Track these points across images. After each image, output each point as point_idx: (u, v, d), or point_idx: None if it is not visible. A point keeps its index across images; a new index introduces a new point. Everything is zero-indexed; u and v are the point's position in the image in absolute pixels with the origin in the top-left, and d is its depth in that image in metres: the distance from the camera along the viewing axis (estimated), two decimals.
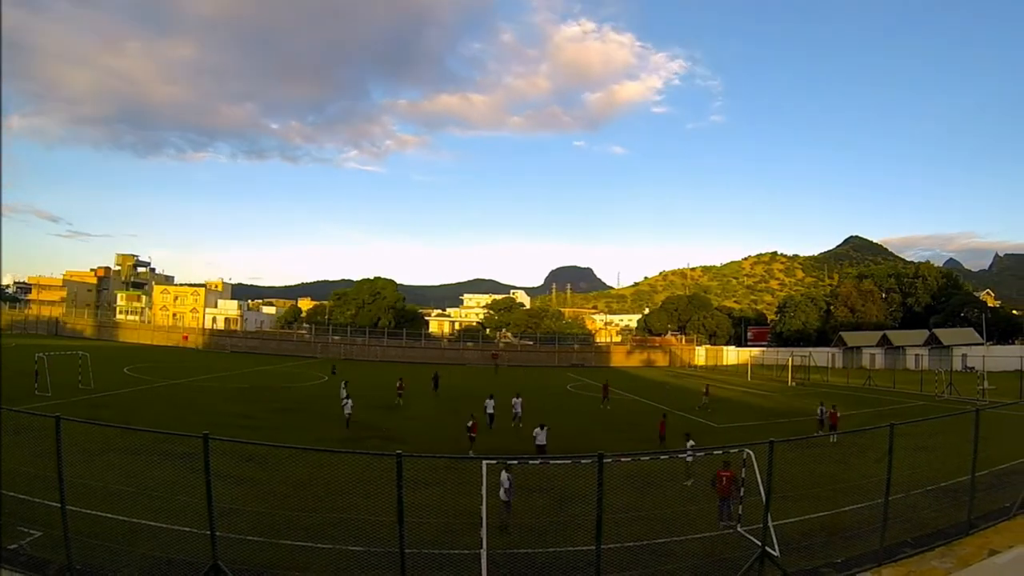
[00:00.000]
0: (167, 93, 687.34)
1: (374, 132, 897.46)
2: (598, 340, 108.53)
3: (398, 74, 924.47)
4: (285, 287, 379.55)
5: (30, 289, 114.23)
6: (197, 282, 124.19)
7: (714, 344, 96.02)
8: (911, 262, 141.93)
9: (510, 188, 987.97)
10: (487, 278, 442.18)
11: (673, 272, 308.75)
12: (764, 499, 8.91)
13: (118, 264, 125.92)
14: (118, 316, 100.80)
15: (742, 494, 10.40)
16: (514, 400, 26.86)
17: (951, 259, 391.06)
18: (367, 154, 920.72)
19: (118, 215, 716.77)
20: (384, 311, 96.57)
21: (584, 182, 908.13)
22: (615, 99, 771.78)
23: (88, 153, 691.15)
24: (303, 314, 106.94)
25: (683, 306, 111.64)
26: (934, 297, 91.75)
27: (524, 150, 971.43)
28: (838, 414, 23.40)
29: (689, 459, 14.77)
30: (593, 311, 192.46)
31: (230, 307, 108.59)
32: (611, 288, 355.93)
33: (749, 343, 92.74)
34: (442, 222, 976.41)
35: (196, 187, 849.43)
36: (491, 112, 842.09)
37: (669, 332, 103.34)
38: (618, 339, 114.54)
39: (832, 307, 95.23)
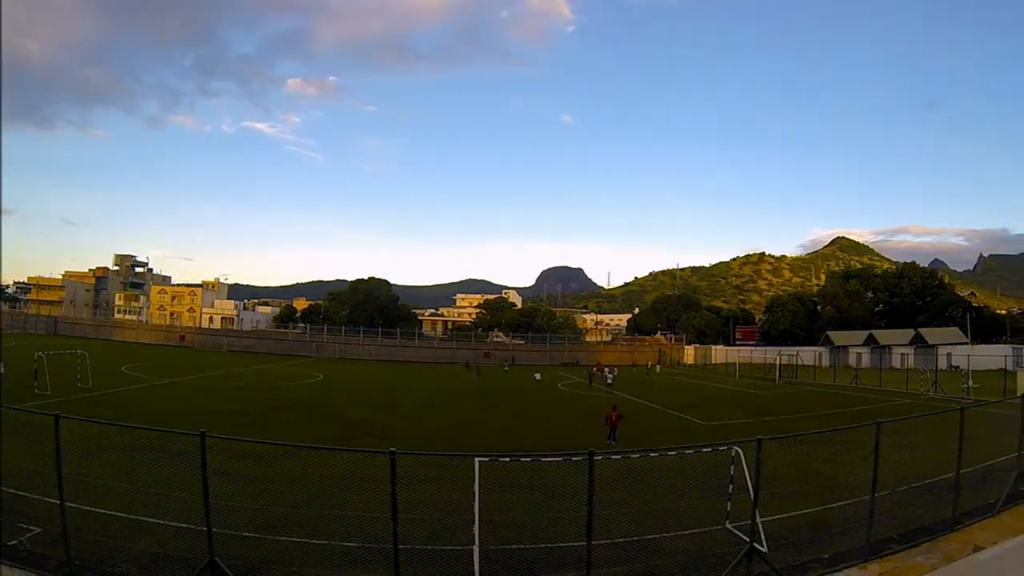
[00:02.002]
0: (16, 41, 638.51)
1: (261, 75, 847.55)
2: (588, 339, 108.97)
3: None
4: (280, 287, 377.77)
5: (29, 289, 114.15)
6: (193, 282, 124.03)
7: (703, 343, 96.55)
8: (897, 262, 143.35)
9: (494, 186, 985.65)
10: (479, 278, 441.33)
11: (663, 272, 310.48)
12: (752, 496, 9.05)
13: (116, 264, 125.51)
14: (116, 316, 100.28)
15: (731, 491, 10.58)
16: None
17: (936, 259, 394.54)
18: (279, 120, 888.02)
19: (80, 208, 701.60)
20: (378, 311, 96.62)
21: (568, 184, 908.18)
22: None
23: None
24: (298, 314, 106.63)
25: (672, 306, 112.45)
26: (919, 297, 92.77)
27: (461, 107, 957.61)
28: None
29: None
30: (584, 311, 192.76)
31: (227, 307, 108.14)
32: (602, 288, 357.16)
33: (737, 342, 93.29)
34: (435, 222, 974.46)
35: (182, 184, 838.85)
36: (391, 41, 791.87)
37: (658, 331, 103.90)
38: (608, 338, 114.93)
39: (819, 307, 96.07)
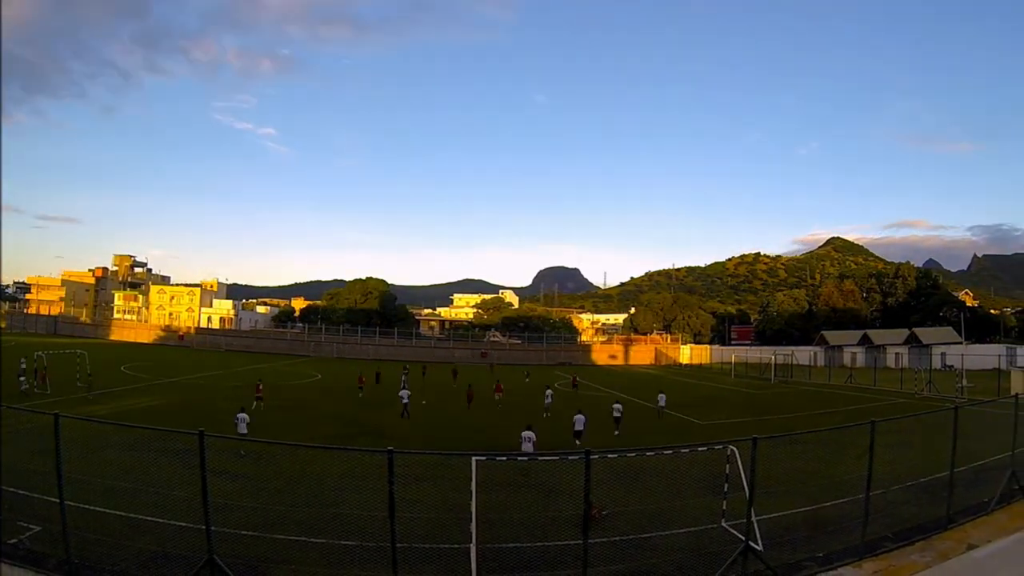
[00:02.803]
0: None
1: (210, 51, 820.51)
2: (584, 339, 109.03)
3: None
4: (279, 287, 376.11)
5: (29, 289, 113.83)
6: (192, 282, 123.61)
7: (699, 343, 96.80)
8: (891, 262, 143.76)
9: (491, 186, 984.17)
10: (477, 278, 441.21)
11: (658, 272, 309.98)
12: (748, 494, 9.10)
13: (115, 264, 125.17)
14: (116, 315, 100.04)
15: (726, 490, 10.64)
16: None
17: (930, 259, 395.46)
18: (241, 102, 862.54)
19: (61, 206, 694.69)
20: (376, 310, 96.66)
21: (566, 184, 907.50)
22: None
23: None
24: (296, 313, 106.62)
25: (668, 306, 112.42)
26: (914, 297, 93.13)
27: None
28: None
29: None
30: (580, 311, 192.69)
31: (225, 306, 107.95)
32: (598, 288, 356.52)
33: (733, 342, 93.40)
34: (433, 223, 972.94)
35: (179, 185, 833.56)
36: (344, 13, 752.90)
37: (655, 331, 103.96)
38: (604, 338, 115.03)
39: (814, 307, 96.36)
